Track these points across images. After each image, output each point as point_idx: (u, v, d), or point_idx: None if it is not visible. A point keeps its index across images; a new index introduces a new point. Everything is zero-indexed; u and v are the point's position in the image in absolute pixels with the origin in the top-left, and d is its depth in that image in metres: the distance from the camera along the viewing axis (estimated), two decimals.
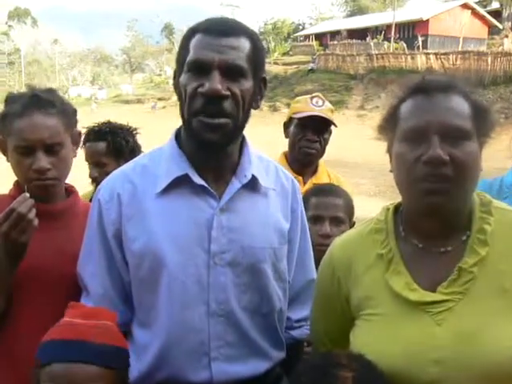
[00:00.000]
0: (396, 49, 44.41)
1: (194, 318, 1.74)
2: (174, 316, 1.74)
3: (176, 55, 1.78)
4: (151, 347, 1.77)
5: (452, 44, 43.88)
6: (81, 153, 2.15)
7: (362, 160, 19.25)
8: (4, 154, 2.01)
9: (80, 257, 1.87)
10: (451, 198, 1.45)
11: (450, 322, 1.45)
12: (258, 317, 1.83)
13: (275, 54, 60.32)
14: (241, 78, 1.69)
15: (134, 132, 3.25)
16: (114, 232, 1.78)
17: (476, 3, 51.78)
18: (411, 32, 49.85)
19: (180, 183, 1.76)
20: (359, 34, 52.31)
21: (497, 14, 53.75)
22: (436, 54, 36.76)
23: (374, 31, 52.65)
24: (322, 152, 3.15)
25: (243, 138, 1.85)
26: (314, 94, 3.24)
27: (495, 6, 58.09)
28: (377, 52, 41.81)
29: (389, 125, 1.58)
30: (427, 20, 48.14)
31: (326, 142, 3.16)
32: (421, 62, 36.80)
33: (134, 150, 3.08)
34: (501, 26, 49.38)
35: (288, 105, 36.36)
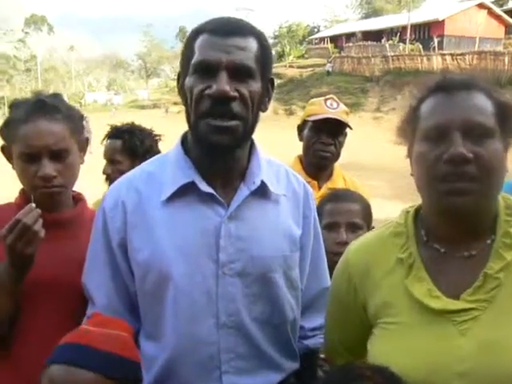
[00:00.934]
0: (412, 50, 44.26)
1: (202, 331, 1.68)
2: (181, 328, 1.68)
3: (180, 57, 1.72)
4: (159, 360, 1.71)
5: (468, 44, 43.65)
6: (88, 160, 2.09)
7: (378, 162, 19.15)
8: (9, 162, 1.96)
9: (85, 266, 1.81)
10: (474, 198, 1.37)
11: (474, 331, 1.37)
12: (270, 328, 1.76)
13: (290, 57, 60.43)
14: (249, 78, 1.62)
15: (156, 137, 3.29)
16: (119, 241, 1.73)
17: (492, 3, 51.49)
18: (427, 33, 49.67)
19: (186, 191, 1.69)
20: (374, 35, 52.21)
21: None
22: (452, 55, 36.64)
23: (389, 33, 52.53)
24: (337, 155, 3.07)
25: (252, 143, 1.78)
26: (328, 96, 3.17)
27: None
28: (392, 54, 41.75)
29: (409, 126, 1.52)
30: (443, 20, 47.93)
31: (341, 144, 3.09)
32: (437, 63, 36.67)
33: (149, 152, 3.05)
34: None
35: (304, 108, 36.26)
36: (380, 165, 18.54)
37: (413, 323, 1.45)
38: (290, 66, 52.03)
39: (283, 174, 1.87)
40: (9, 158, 1.95)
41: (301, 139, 3.14)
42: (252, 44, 1.63)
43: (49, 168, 1.85)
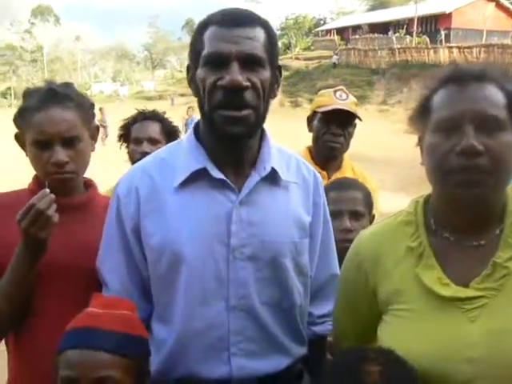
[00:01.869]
0: (418, 43, 44.06)
1: (212, 313, 1.72)
2: (192, 311, 1.72)
3: (189, 50, 1.75)
4: (169, 342, 1.75)
5: (475, 37, 43.40)
6: (97, 150, 2.13)
7: (384, 155, 19.13)
8: (23, 149, 2.01)
9: (99, 252, 1.85)
10: (485, 190, 1.39)
11: (483, 319, 1.40)
12: (279, 312, 1.80)
13: (296, 49, 60.27)
14: (259, 67, 1.66)
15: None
16: (133, 226, 1.77)
17: None
18: (434, 25, 49.45)
19: (198, 177, 1.73)
20: (381, 28, 52.02)
21: None
22: (459, 48, 36.46)
23: (396, 25, 52.26)
24: (346, 146, 3.10)
25: (263, 131, 1.82)
26: (337, 88, 3.18)
27: None
28: (399, 46, 41.56)
29: (420, 116, 1.53)
30: (450, 13, 47.69)
31: (351, 135, 3.11)
32: (444, 55, 36.51)
33: (177, 137, 3.12)
34: None
35: (310, 100, 36.28)
36: (385, 157, 18.52)
37: (423, 310, 1.47)
38: (296, 58, 51.89)
39: (294, 162, 1.91)
40: (22, 146, 2.00)
41: (310, 130, 3.16)
42: (260, 33, 1.67)
43: (61, 154, 1.90)
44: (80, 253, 1.91)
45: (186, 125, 19.87)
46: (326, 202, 2.00)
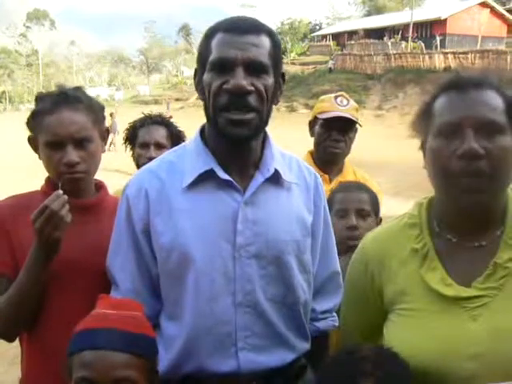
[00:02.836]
0: (414, 48, 44.27)
1: (220, 310, 1.77)
2: (201, 308, 1.77)
3: (197, 55, 1.81)
4: (179, 339, 1.80)
5: (470, 43, 43.63)
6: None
7: (379, 160, 19.17)
8: (36, 152, 2.07)
9: (109, 251, 1.90)
10: (487, 195, 1.45)
11: (485, 317, 1.46)
12: (284, 308, 1.85)
13: (292, 54, 60.41)
14: (263, 73, 1.72)
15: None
16: (143, 227, 1.82)
17: (495, 1, 51.38)
18: (429, 31, 49.64)
19: (205, 178, 1.79)
20: (376, 33, 52.20)
21: None
22: (454, 54, 36.65)
23: (392, 31, 52.46)
24: (347, 151, 3.16)
25: (265, 134, 1.88)
26: (338, 94, 3.25)
27: None
28: (394, 52, 41.74)
29: (423, 121, 1.59)
30: (445, 19, 47.89)
31: (352, 140, 3.17)
32: (439, 61, 36.69)
33: (182, 142, 3.15)
34: None
35: (306, 105, 36.35)
36: (381, 162, 18.57)
37: (427, 309, 1.53)
38: (292, 63, 52.06)
39: (295, 164, 1.97)
40: (35, 148, 2.06)
41: (312, 135, 3.22)
42: (265, 41, 1.74)
43: (72, 155, 1.96)
44: (92, 253, 1.96)
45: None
46: (326, 204, 2.06)
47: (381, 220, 2.56)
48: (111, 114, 26.02)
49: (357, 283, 1.75)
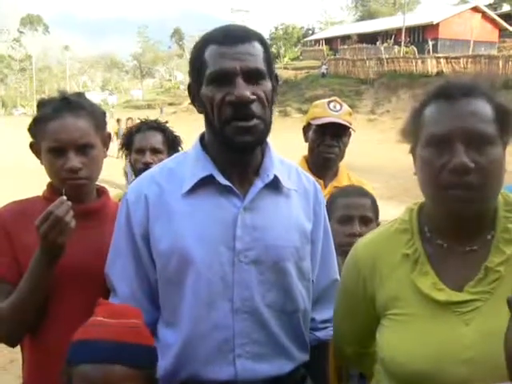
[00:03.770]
0: (406, 53, 44.37)
1: (218, 315, 1.77)
2: (198, 313, 1.77)
3: (190, 68, 1.82)
4: (176, 345, 1.79)
5: (462, 48, 43.79)
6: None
7: (372, 165, 19.22)
8: (38, 158, 2.07)
9: (108, 257, 1.90)
10: (477, 205, 1.46)
11: (477, 321, 1.46)
12: (283, 315, 1.85)
13: (285, 59, 60.50)
14: (261, 79, 1.74)
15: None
16: (142, 232, 1.82)
17: (486, 6, 51.80)
18: (421, 36, 49.82)
19: (205, 184, 1.80)
20: (369, 38, 52.29)
21: (507, 16, 53.64)
22: (446, 58, 36.76)
23: (384, 35, 52.59)
24: (341, 155, 3.17)
25: (266, 141, 1.89)
26: (331, 99, 3.26)
27: (506, 9, 58.05)
28: (387, 56, 41.83)
29: (412, 128, 1.59)
30: (437, 24, 48.10)
31: (345, 145, 3.18)
32: (431, 65, 36.80)
33: (179, 147, 3.21)
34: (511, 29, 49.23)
35: (299, 109, 36.34)
36: (374, 167, 18.60)
37: (419, 314, 1.53)
38: (285, 68, 52.10)
39: (294, 171, 1.98)
40: (37, 154, 2.07)
41: (306, 140, 3.23)
42: (258, 48, 1.75)
43: (75, 161, 1.96)
44: (94, 257, 1.96)
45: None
46: (325, 211, 2.06)
47: (379, 224, 2.55)
48: (118, 120, 25.86)
49: (349, 289, 1.76)
